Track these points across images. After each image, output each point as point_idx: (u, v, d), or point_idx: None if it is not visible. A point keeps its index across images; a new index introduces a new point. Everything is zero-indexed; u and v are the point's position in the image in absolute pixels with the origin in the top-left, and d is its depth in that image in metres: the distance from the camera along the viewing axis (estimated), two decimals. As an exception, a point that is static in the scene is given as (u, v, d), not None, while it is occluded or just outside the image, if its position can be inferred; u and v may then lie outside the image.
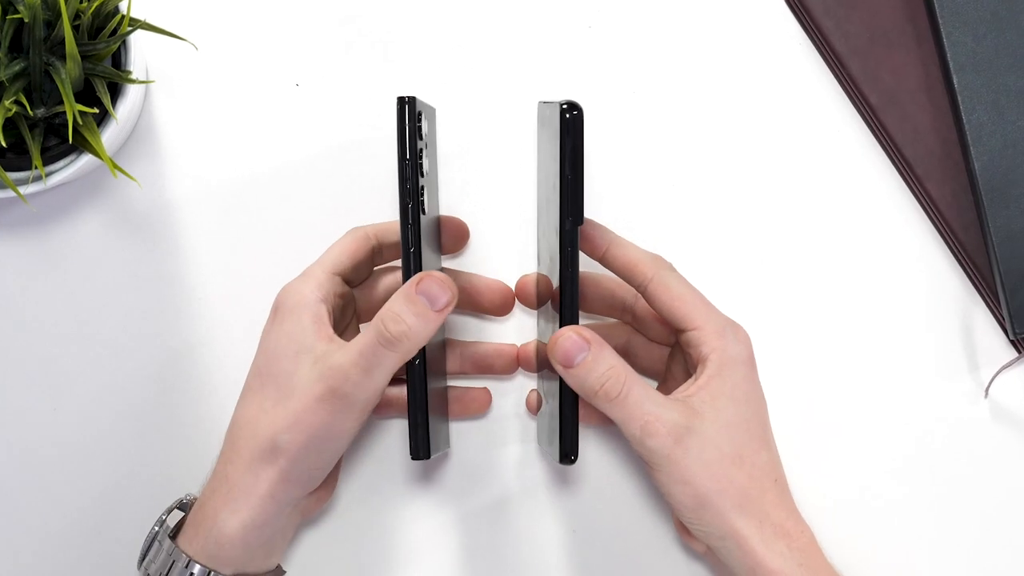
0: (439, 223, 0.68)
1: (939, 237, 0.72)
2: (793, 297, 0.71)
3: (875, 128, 0.72)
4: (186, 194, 0.72)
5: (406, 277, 0.60)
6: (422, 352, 0.61)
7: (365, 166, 0.72)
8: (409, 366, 0.61)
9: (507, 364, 0.69)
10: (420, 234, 0.60)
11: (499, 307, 0.69)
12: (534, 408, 0.70)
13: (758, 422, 0.62)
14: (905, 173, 0.72)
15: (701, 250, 0.72)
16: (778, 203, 0.72)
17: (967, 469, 0.70)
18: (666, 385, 0.67)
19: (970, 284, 0.72)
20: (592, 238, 0.63)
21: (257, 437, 0.61)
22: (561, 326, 0.60)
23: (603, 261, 0.63)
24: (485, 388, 0.70)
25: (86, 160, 0.65)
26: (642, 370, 0.69)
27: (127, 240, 0.72)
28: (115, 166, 0.63)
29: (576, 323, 0.60)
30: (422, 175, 0.60)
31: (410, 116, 0.59)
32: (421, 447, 0.62)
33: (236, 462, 0.61)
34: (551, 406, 0.64)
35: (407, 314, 0.58)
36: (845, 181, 0.72)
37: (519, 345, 0.70)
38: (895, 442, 0.71)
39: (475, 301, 0.69)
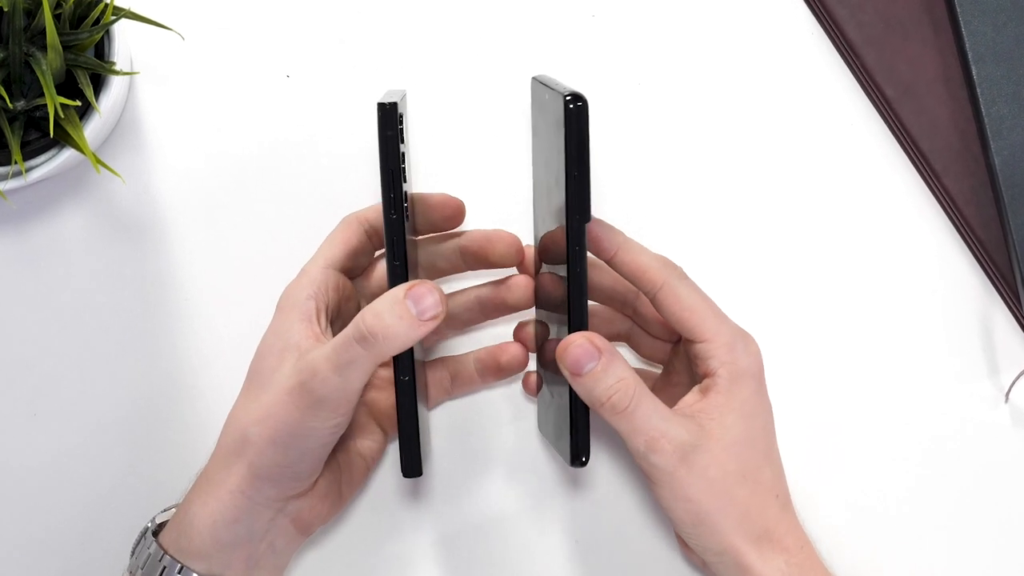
0: (420, 202, 0.67)
1: (957, 235, 0.72)
2: (805, 297, 0.71)
3: (891, 121, 0.72)
4: (172, 190, 0.72)
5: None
6: (411, 368, 0.61)
7: (359, 159, 0.72)
8: (398, 382, 0.61)
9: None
10: (405, 247, 0.60)
11: (508, 258, 0.68)
12: (533, 389, 0.70)
13: (764, 437, 0.63)
14: (922, 168, 0.71)
15: (709, 248, 0.72)
16: (790, 199, 0.72)
17: (986, 477, 0.70)
18: (668, 378, 0.68)
19: (989, 284, 0.71)
20: (600, 240, 0.63)
21: (233, 432, 0.61)
22: (570, 330, 0.60)
23: (611, 265, 0.64)
24: (523, 345, 0.69)
25: (68, 155, 0.65)
26: (648, 355, 0.69)
27: (110, 238, 0.71)
28: (98, 161, 0.63)
29: (585, 326, 0.60)
30: (405, 180, 0.60)
31: (391, 124, 0.58)
32: (414, 465, 0.62)
33: (216, 458, 0.62)
34: (558, 401, 0.64)
35: (388, 313, 0.58)
36: (859, 176, 0.72)
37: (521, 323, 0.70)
38: (910, 449, 0.71)
39: (485, 253, 0.68)
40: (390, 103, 0.58)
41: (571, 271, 0.59)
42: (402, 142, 0.59)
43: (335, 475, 0.65)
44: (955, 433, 0.71)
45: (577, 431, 0.61)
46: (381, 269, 0.68)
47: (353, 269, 0.66)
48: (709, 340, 0.62)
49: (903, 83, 0.71)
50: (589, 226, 0.60)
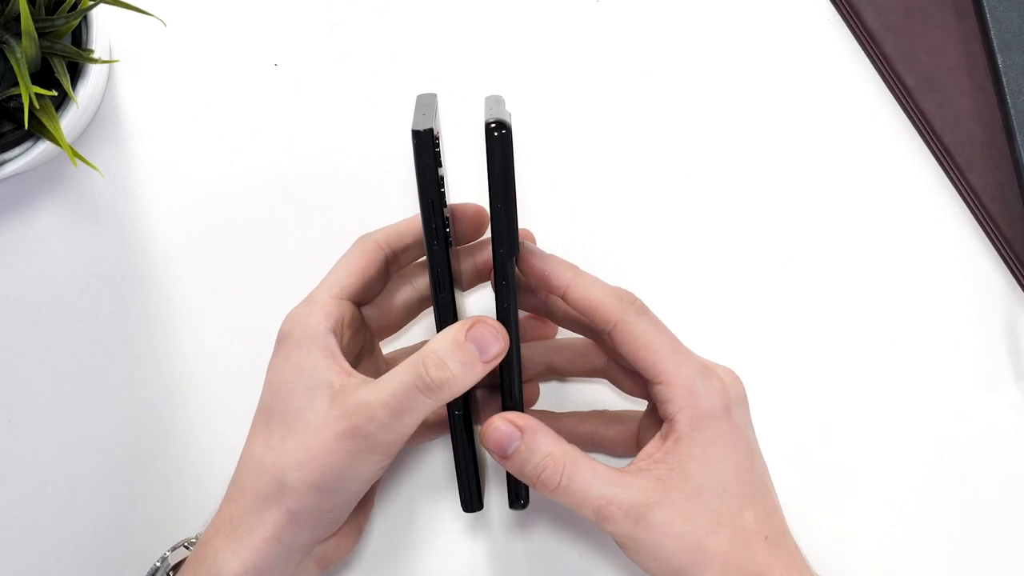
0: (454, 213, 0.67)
1: (982, 232, 0.72)
2: (821, 297, 0.71)
3: (911, 112, 0.72)
4: (153, 185, 0.72)
5: (439, 324, 0.60)
6: (464, 401, 0.61)
7: (351, 153, 0.72)
8: (451, 416, 0.61)
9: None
10: (451, 277, 0.60)
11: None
12: None
13: (739, 480, 0.61)
14: (945, 162, 0.71)
15: (720, 245, 0.72)
16: (805, 195, 0.72)
17: (1012, 487, 0.70)
18: (653, 415, 0.67)
19: (1016, 284, 0.71)
20: (549, 277, 0.62)
21: (263, 475, 0.60)
22: (502, 368, 0.60)
23: (565, 302, 0.63)
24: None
25: (43, 148, 0.65)
26: (629, 391, 0.68)
27: (88, 235, 0.71)
28: (75, 154, 0.62)
29: (517, 368, 0.60)
30: (445, 205, 0.59)
31: (427, 151, 0.57)
32: (474, 500, 0.63)
33: (240, 501, 0.61)
34: None
35: (452, 361, 0.58)
36: (878, 171, 0.72)
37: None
38: (931, 457, 0.70)
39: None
40: (424, 130, 0.57)
41: (499, 307, 0.60)
42: (439, 165, 0.58)
43: (355, 511, 0.64)
44: (978, 441, 0.70)
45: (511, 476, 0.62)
46: (400, 296, 0.68)
47: (365, 299, 0.66)
48: (665, 382, 0.61)
49: (924, 72, 0.71)
50: (535, 262, 0.61)
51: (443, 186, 0.59)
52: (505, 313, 0.59)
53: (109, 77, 0.71)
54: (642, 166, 0.72)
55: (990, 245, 0.71)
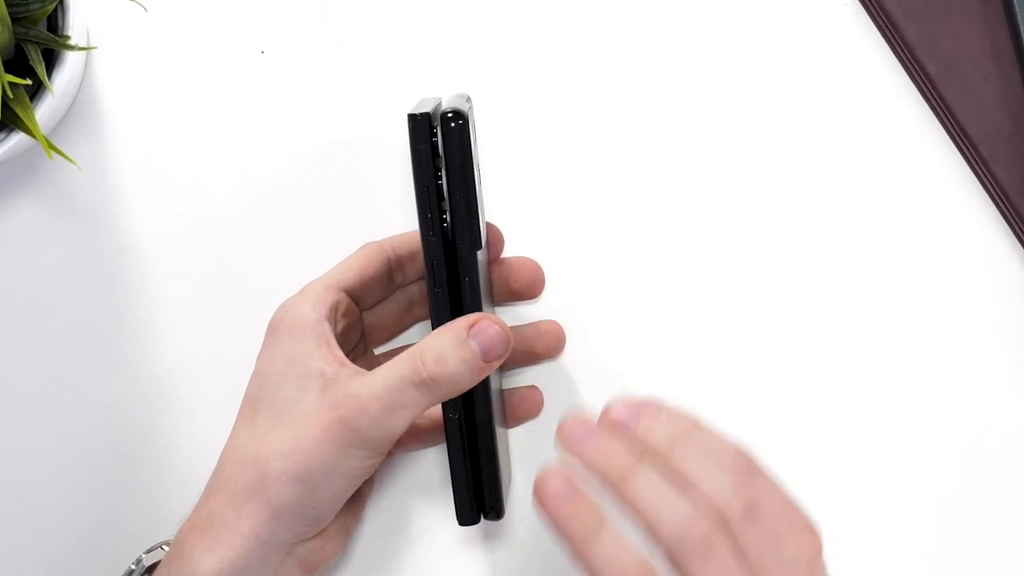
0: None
1: (1007, 228, 0.71)
2: (838, 296, 0.71)
3: (934, 102, 0.72)
4: (133, 178, 0.72)
5: (435, 321, 0.60)
6: (462, 404, 0.61)
7: (339, 145, 0.72)
8: (447, 420, 0.61)
9: (551, 345, 0.69)
10: (448, 272, 0.60)
11: (530, 288, 0.69)
12: None
13: None
14: (968, 154, 0.71)
15: (733, 241, 0.71)
16: (821, 189, 0.72)
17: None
18: None
19: (1042, 282, 0.72)
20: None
21: (244, 466, 0.60)
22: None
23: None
24: (534, 386, 0.70)
25: (17, 140, 0.65)
26: None
27: (65, 231, 0.71)
28: (51, 146, 0.62)
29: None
30: (442, 198, 0.60)
31: (423, 137, 0.58)
32: (468, 512, 0.63)
33: (219, 496, 0.61)
34: None
35: (452, 358, 0.58)
36: (899, 163, 0.72)
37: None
38: (952, 463, 0.70)
39: (507, 282, 0.69)
40: (421, 114, 0.58)
41: (464, 304, 0.60)
42: (437, 156, 0.59)
43: (343, 512, 0.64)
44: (1007, 450, 0.70)
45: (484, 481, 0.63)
46: (393, 304, 0.68)
47: (363, 299, 0.66)
48: None
49: (947, 60, 0.70)
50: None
51: (440, 178, 0.59)
52: (469, 310, 0.60)
53: (87, 65, 0.71)
54: (649, 160, 0.72)
55: (1015, 241, 0.71)
